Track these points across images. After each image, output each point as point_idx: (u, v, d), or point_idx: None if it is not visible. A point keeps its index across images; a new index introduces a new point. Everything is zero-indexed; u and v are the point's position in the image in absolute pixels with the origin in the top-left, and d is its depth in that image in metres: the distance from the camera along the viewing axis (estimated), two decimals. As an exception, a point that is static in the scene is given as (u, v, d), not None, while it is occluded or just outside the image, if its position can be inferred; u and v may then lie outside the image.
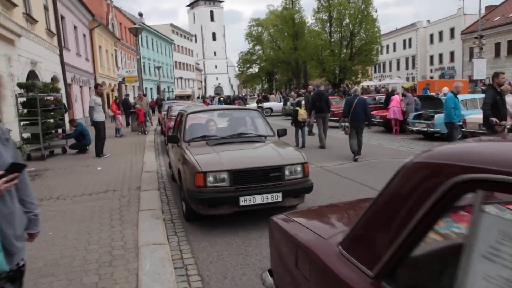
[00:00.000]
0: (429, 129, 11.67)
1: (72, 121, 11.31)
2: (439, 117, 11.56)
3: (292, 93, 16.16)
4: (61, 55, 18.04)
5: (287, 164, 4.39)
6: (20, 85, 9.31)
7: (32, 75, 13.60)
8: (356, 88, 12.48)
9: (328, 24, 45.32)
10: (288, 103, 13.71)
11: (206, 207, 4.21)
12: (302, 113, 11.08)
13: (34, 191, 5.69)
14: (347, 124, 9.15)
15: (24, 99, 9.46)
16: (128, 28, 14.23)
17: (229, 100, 31.28)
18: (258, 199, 4.20)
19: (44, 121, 9.37)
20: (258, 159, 4.46)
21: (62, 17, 19.36)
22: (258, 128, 5.59)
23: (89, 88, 22.69)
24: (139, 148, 10.99)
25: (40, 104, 9.14)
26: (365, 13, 43.60)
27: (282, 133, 5.62)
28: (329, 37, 45.12)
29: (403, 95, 13.88)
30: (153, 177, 6.97)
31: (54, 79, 17.30)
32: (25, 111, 9.29)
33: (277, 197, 4.28)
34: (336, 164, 8.22)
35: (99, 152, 9.30)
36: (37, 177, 7.18)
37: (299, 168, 4.48)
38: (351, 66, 45.27)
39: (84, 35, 24.34)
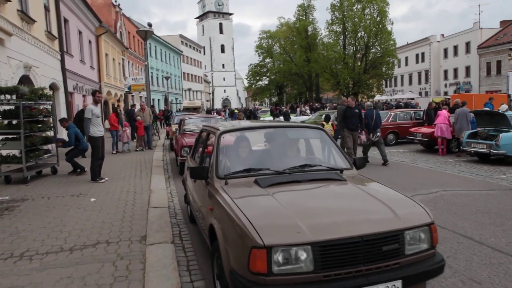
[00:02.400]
0: (492, 150, 9.69)
1: (63, 120, 9.17)
2: (506, 137, 9.63)
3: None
4: (62, 61, 16.41)
5: (407, 227, 2.47)
6: (-2, 90, 7.49)
7: (25, 80, 11.91)
8: (370, 103, 12.09)
9: (342, 37, 43.84)
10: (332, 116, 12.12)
11: (270, 311, 2.27)
12: (328, 129, 10.08)
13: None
14: (378, 133, 10.12)
15: (9, 107, 7.66)
16: (136, 31, 12.59)
17: (249, 113, 29.01)
18: (364, 296, 2.27)
19: (29, 135, 7.54)
20: (358, 219, 2.53)
21: (66, 20, 17.83)
22: (326, 156, 3.69)
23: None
24: (144, 168, 9.11)
25: (25, 114, 7.32)
26: (380, 26, 42.02)
27: (361, 163, 3.70)
28: (343, 49, 43.53)
29: (452, 109, 11.94)
30: (164, 216, 5.06)
31: (53, 87, 15.64)
32: (5, 122, 7.46)
33: (395, 289, 2.34)
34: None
35: (95, 176, 7.43)
36: (7, 213, 5.30)
37: (423, 234, 2.56)
38: (366, 80, 43.53)
39: (90, 42, 22.84)
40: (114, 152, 12.37)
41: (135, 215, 5.09)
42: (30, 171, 7.65)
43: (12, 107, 7.47)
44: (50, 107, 8.51)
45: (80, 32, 20.38)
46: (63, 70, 16.50)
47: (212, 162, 3.32)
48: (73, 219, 4.91)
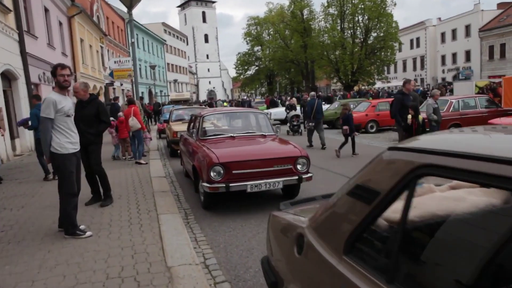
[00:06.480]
0: None
1: (33, 97, 7.66)
2: None
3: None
4: (21, 42, 12.58)
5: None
6: None
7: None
8: (313, 93, 12.85)
9: (339, 20, 40.64)
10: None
11: None
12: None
13: None
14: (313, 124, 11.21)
15: None
16: (119, -2, 8.94)
17: (241, 105, 25.56)
18: None
19: None
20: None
21: (25, -9, 13.95)
22: None
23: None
24: (143, 199, 5.59)
25: None
26: (381, 7, 38.96)
27: None
28: (341, 33, 40.29)
29: None
30: None
31: (9, 75, 11.87)
32: None
33: None
34: None
35: (73, 225, 3.86)
36: None
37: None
38: (367, 66, 40.51)
39: (61, 23, 18.88)
40: (143, 161, 8.89)
41: None
42: None
43: None
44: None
45: (46, 10, 16.42)
46: (23, 54, 12.69)
47: None
48: None
